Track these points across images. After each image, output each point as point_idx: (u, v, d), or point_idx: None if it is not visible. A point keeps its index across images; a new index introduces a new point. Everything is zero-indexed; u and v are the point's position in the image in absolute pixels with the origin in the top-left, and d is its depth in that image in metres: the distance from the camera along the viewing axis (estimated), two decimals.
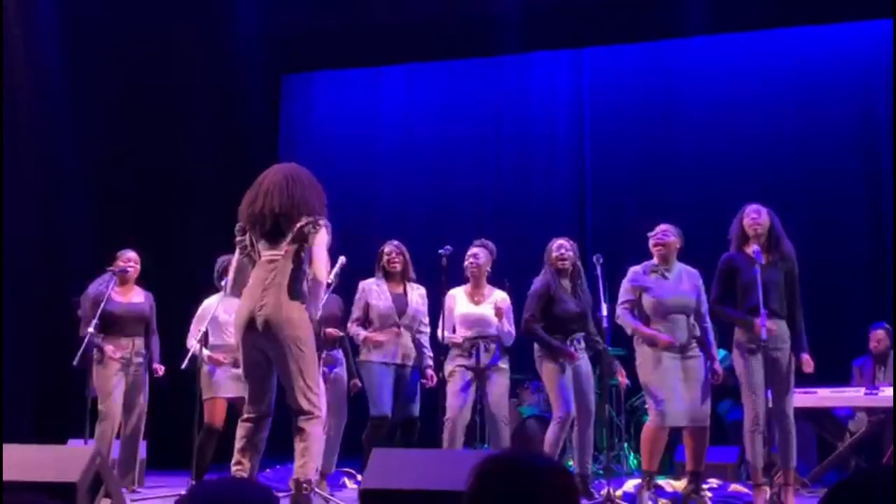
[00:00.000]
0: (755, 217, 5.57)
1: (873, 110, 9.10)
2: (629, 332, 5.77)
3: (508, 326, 6.22)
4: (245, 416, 4.70)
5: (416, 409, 6.27)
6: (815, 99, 9.48)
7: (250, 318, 4.56)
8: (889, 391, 6.59)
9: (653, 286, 5.69)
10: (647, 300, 5.67)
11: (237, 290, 4.88)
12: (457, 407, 6.06)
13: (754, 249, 5.45)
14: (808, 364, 5.52)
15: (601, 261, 5.93)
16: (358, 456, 6.20)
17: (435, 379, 6.28)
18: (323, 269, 4.61)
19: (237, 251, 4.80)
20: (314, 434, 4.58)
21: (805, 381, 6.28)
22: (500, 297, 6.31)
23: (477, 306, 6.23)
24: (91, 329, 6.37)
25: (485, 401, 6.19)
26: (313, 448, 4.58)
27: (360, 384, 6.48)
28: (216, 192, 8.96)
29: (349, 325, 6.35)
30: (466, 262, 6.32)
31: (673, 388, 5.52)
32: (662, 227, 5.83)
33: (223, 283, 6.27)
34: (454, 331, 6.23)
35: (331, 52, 10.42)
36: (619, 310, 5.76)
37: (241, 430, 4.70)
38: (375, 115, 10.94)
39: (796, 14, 9.24)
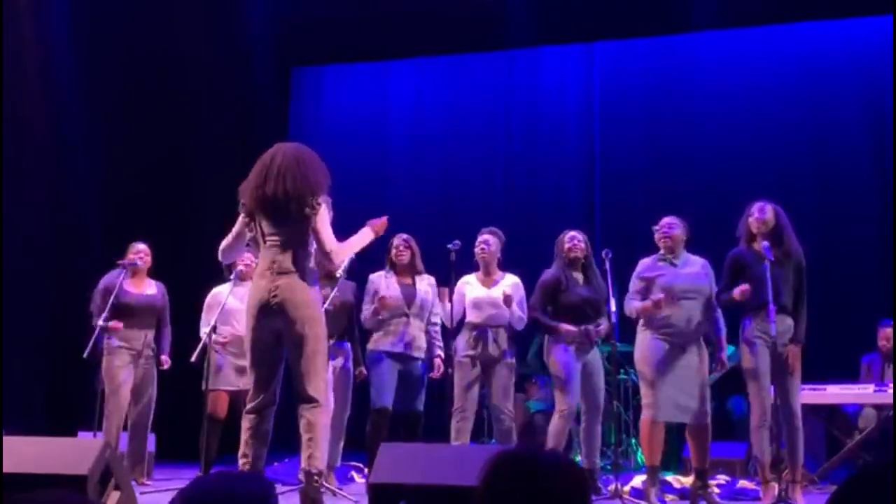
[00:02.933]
0: (759, 216, 5.58)
1: (884, 105, 9.04)
2: (630, 314, 5.76)
3: (519, 312, 6.22)
4: (249, 406, 4.68)
5: (420, 402, 6.26)
6: (825, 93, 9.45)
7: (264, 302, 4.55)
8: None
9: (662, 273, 5.70)
10: (657, 288, 5.66)
11: (230, 256, 4.97)
12: (465, 398, 6.08)
13: (764, 245, 5.44)
14: (794, 356, 5.45)
15: (610, 256, 5.95)
16: (364, 449, 6.21)
17: (442, 369, 6.30)
18: (331, 241, 4.56)
19: (239, 220, 4.75)
20: (320, 424, 4.55)
21: (814, 377, 6.27)
22: (512, 280, 6.32)
23: (488, 290, 6.25)
24: (101, 321, 6.38)
25: (488, 394, 6.20)
26: (320, 438, 4.54)
27: (365, 372, 6.50)
28: (226, 184, 8.94)
29: (362, 313, 6.37)
30: (477, 249, 6.33)
31: (669, 382, 5.52)
32: (667, 219, 5.84)
33: (232, 276, 6.31)
34: (464, 317, 6.23)
35: (341, 45, 10.43)
36: (626, 301, 5.77)
37: (245, 421, 4.68)
38: (385, 109, 10.94)
39: (806, 9, 9.23)
